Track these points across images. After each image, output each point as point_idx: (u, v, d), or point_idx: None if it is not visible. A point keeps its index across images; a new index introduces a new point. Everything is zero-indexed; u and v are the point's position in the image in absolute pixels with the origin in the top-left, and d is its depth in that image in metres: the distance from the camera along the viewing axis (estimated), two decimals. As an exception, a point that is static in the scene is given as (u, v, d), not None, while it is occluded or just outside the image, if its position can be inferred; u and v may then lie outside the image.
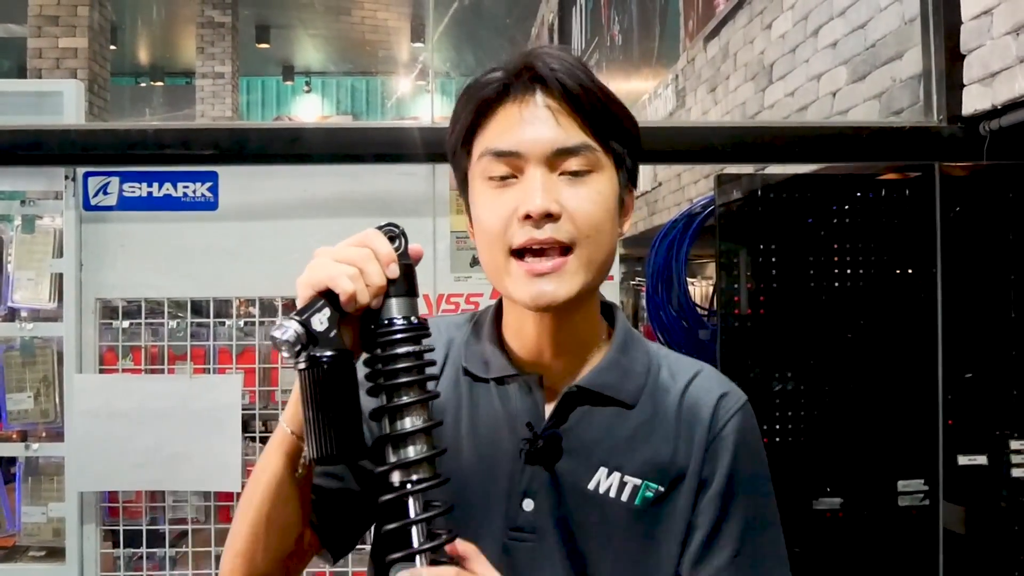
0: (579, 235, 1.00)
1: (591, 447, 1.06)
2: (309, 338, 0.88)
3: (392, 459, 0.91)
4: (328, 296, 0.91)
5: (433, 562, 0.90)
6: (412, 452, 0.91)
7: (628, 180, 1.09)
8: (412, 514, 0.90)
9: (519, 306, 1.04)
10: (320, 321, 0.89)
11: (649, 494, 1.04)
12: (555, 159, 1.01)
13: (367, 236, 0.96)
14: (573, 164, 1.01)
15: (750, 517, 1.07)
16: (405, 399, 0.92)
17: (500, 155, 1.01)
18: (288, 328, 0.88)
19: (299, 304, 0.93)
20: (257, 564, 1.03)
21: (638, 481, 1.04)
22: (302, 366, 0.88)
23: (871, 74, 3.05)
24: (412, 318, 0.94)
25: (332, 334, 0.90)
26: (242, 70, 12.59)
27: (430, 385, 0.96)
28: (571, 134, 1.01)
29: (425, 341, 0.95)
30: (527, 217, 0.99)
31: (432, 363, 0.96)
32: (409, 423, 0.91)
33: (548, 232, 0.99)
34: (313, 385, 0.88)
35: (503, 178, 1.02)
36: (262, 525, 1.02)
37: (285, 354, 0.88)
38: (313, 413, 0.88)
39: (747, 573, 1.05)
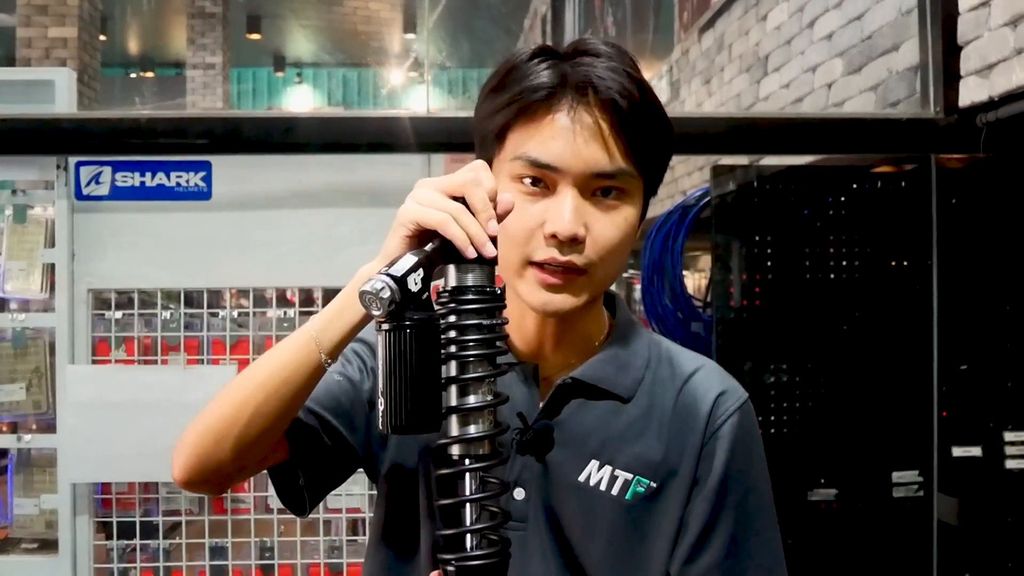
0: (597, 259, 1.00)
1: (583, 440, 1.05)
2: (403, 297, 0.81)
3: (455, 432, 0.85)
4: (422, 242, 0.86)
5: (485, 542, 0.85)
6: (473, 429, 0.85)
7: (650, 194, 1.08)
8: (467, 492, 0.85)
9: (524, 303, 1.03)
10: (415, 281, 0.82)
11: (640, 489, 1.04)
12: (591, 180, 1.00)
13: (480, 172, 0.89)
14: (607, 185, 1.00)
15: (743, 518, 1.06)
16: (477, 373, 0.85)
17: (537, 165, 0.99)
18: (384, 285, 0.80)
19: (392, 247, 0.88)
20: (223, 450, 1.00)
21: (629, 476, 1.04)
22: (387, 327, 0.81)
23: (867, 66, 3.05)
24: (495, 288, 0.87)
25: (424, 296, 0.82)
26: (233, 61, 12.52)
27: (498, 361, 0.89)
28: (613, 159, 0.99)
29: (501, 313, 0.88)
30: (553, 236, 0.99)
31: (505, 336, 0.89)
32: (473, 399, 0.85)
33: (568, 255, 0.99)
34: (398, 349, 0.81)
35: (534, 183, 1.00)
36: (246, 414, 0.98)
37: (375, 312, 0.81)
38: (394, 380, 0.81)
39: (736, 574, 1.04)
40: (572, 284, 1.00)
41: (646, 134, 1.00)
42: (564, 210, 0.98)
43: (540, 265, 1.00)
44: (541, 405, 1.07)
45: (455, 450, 0.85)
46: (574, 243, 0.99)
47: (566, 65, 1.00)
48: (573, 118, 0.98)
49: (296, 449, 1.05)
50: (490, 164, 1.04)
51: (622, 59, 1.02)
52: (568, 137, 0.98)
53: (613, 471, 1.04)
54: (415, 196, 0.88)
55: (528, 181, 1.00)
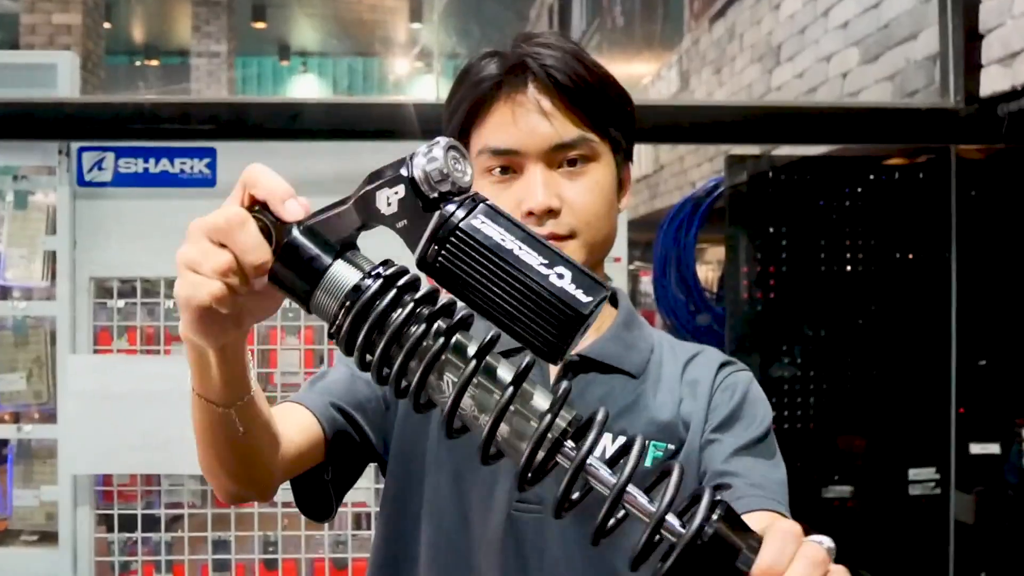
0: (579, 224, 1.04)
1: None
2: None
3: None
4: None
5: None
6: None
7: (625, 159, 1.12)
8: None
9: None
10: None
11: (659, 454, 1.04)
12: (553, 154, 1.03)
13: (245, 190, 0.71)
14: (571, 156, 1.04)
15: (754, 437, 1.06)
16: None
17: (498, 153, 1.04)
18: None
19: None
20: (228, 480, 0.94)
21: (645, 443, 1.02)
22: (443, 250, 0.64)
23: (884, 55, 2.99)
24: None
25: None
26: (238, 49, 12.46)
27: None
28: (567, 129, 1.03)
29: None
30: (530, 214, 1.02)
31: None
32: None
33: (549, 227, 1.02)
34: (482, 264, 0.63)
35: (503, 172, 1.05)
36: (215, 460, 0.91)
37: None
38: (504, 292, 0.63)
39: (755, 460, 1.04)
40: (564, 249, 1.01)
41: (593, 100, 1.05)
42: (534, 186, 1.02)
43: None
44: (551, 384, 1.04)
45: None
46: (551, 215, 1.02)
47: (509, 56, 1.05)
48: (520, 100, 1.03)
49: (332, 450, 1.04)
50: None
51: (560, 39, 1.08)
52: (520, 118, 1.03)
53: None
54: (181, 257, 0.70)
55: (497, 171, 1.05)
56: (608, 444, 1.03)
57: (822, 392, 2.44)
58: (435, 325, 0.64)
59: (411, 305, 0.64)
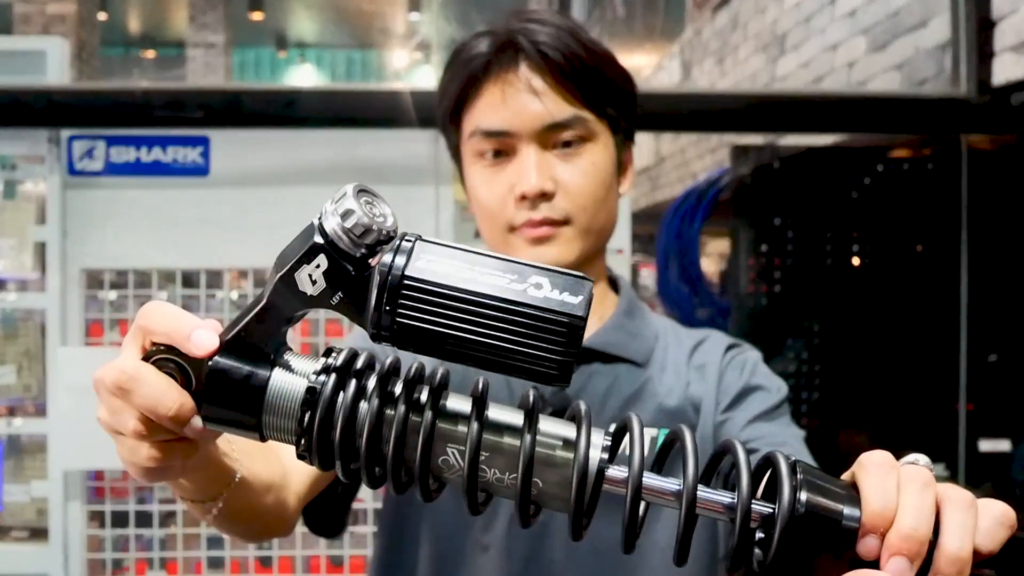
0: (574, 209, 1.00)
1: (601, 405, 1.04)
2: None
3: None
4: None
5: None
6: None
7: (625, 139, 1.08)
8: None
9: None
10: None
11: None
12: (546, 134, 1.00)
13: (139, 333, 0.62)
14: (566, 137, 1.01)
15: (772, 404, 1.04)
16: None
17: (490, 135, 1.01)
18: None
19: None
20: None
21: (654, 431, 1.01)
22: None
23: (892, 43, 2.94)
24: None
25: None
26: (235, 40, 12.39)
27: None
28: (560, 108, 1.00)
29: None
30: (523, 198, 0.99)
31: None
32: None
33: (543, 212, 0.99)
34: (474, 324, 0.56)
35: (495, 155, 1.01)
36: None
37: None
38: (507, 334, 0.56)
39: (775, 425, 1.02)
40: (559, 237, 1.00)
41: (588, 78, 1.00)
42: (526, 168, 0.99)
43: (520, 229, 1.01)
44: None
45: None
46: (545, 198, 0.99)
47: (500, 33, 1.02)
48: (510, 79, 0.99)
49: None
50: (458, 152, 1.06)
51: (554, 15, 1.04)
52: (510, 98, 0.99)
53: None
54: (99, 419, 0.63)
55: (490, 155, 1.01)
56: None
57: (827, 386, 2.40)
58: (414, 397, 0.56)
59: (378, 386, 0.56)
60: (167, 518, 2.29)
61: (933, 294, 2.35)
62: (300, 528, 2.25)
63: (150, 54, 15.28)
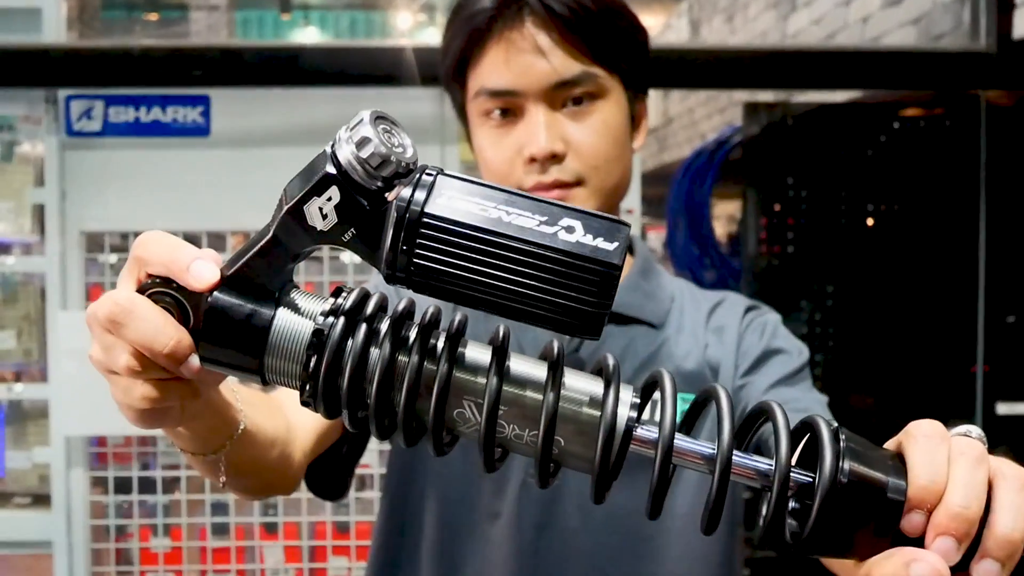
0: (586, 170, 0.97)
1: None
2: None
3: None
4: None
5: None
6: None
7: (638, 92, 1.04)
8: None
9: None
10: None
11: (686, 407, 0.99)
12: (555, 92, 0.96)
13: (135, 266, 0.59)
14: (575, 94, 0.96)
15: (794, 368, 1.02)
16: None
17: (495, 94, 0.97)
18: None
19: None
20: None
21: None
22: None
23: (908, -3, 2.87)
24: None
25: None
26: (238, 3, 12.29)
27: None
28: (568, 64, 0.95)
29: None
30: (532, 160, 0.96)
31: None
32: None
33: (554, 175, 0.96)
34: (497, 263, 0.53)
35: (503, 114, 0.97)
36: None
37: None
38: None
39: (798, 390, 1.00)
40: (572, 200, 0.96)
41: (597, 31, 0.96)
42: (535, 129, 0.95)
43: (531, 192, 0.95)
44: (568, 337, 0.97)
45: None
46: (555, 160, 0.95)
47: None
48: (514, 36, 0.95)
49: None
50: (464, 111, 1.02)
51: None
52: (514, 57, 0.94)
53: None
54: (91, 357, 0.61)
55: (496, 114, 0.98)
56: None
57: (840, 349, 2.36)
58: (430, 344, 0.52)
59: (391, 330, 0.52)
60: (171, 484, 2.27)
61: (950, 255, 2.30)
62: (306, 494, 2.24)
63: (152, 17, 15.16)
